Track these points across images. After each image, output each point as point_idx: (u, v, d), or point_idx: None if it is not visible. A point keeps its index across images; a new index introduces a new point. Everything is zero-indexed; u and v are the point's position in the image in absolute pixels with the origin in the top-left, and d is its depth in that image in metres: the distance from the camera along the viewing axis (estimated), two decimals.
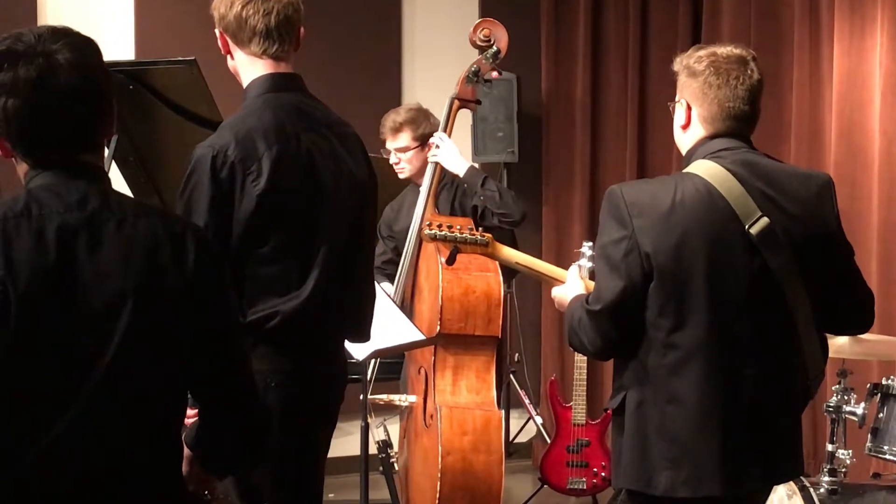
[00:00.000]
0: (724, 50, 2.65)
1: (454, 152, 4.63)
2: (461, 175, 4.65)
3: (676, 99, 2.71)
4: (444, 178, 4.80)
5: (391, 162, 4.80)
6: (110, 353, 1.91)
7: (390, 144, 4.79)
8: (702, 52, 2.66)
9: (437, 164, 4.58)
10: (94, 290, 1.91)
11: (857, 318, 2.79)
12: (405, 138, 4.73)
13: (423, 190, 4.56)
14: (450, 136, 4.61)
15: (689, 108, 2.67)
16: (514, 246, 4.68)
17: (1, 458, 1.90)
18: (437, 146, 4.58)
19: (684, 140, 2.71)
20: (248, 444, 2.15)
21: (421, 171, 4.67)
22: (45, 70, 1.92)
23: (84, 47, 2.00)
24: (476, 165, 5.40)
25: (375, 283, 3.16)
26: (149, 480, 2.01)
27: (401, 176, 4.78)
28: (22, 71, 1.92)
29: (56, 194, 1.94)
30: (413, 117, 4.74)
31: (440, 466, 4.13)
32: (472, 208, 4.72)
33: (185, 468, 2.16)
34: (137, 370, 1.95)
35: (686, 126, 2.69)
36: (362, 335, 3.03)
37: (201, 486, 2.25)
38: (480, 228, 3.04)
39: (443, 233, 2.99)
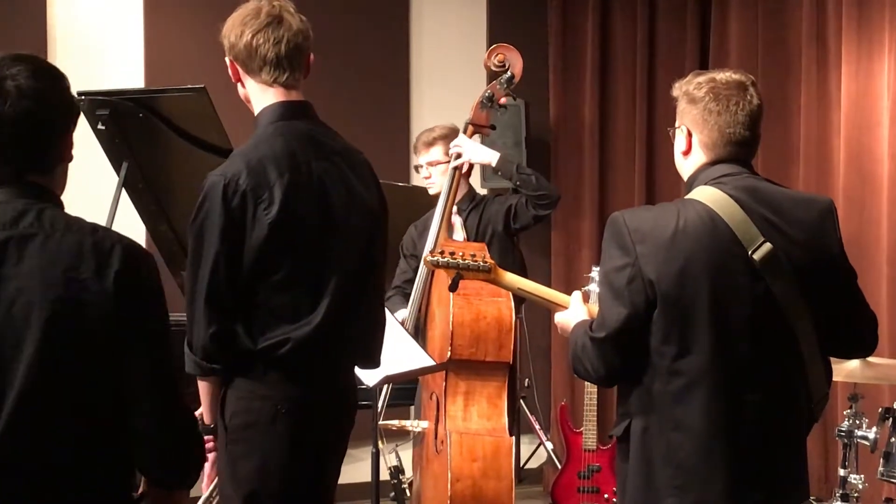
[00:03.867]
0: (723, 75, 2.65)
1: (479, 147, 4.68)
2: (493, 164, 4.70)
3: (676, 125, 2.71)
4: (475, 199, 4.84)
5: (422, 177, 4.86)
6: (24, 368, 1.97)
7: (423, 158, 4.85)
8: (701, 79, 2.66)
9: (454, 177, 4.60)
10: (13, 305, 1.99)
11: (861, 342, 2.77)
12: (438, 152, 4.80)
13: (437, 213, 4.58)
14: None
15: (689, 134, 2.68)
16: (524, 271, 4.70)
17: None
18: (458, 145, 4.62)
19: (685, 166, 2.72)
20: (177, 459, 2.19)
21: None
22: None
23: (42, 74, 2.08)
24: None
25: (386, 309, 3.17)
26: (90, 497, 2.05)
27: (431, 191, 4.81)
28: None
29: None
30: (446, 133, 4.82)
31: (450, 493, 4.12)
32: (504, 211, 4.74)
33: (143, 486, 2.20)
34: (57, 383, 2.00)
35: (687, 152, 2.70)
36: (372, 361, 3.04)
37: (161, 502, 2.26)
38: (486, 255, 3.03)
39: (445, 259, 2.99)
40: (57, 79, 2.12)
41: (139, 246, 2.15)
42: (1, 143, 2.05)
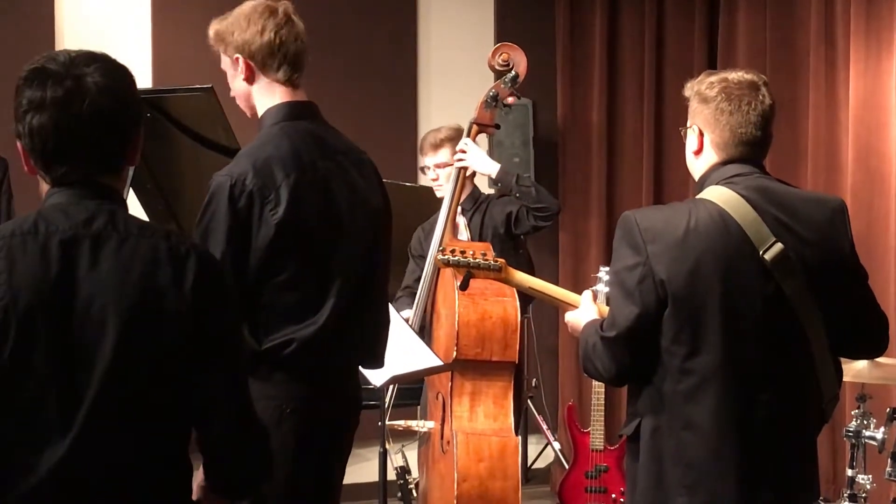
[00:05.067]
0: (735, 75, 2.65)
1: (482, 155, 4.69)
2: (493, 175, 4.72)
3: (688, 125, 2.71)
4: (479, 199, 4.83)
5: (430, 178, 4.86)
6: (101, 372, 1.93)
7: (430, 160, 4.84)
8: (713, 78, 2.66)
9: (458, 177, 4.61)
10: (89, 308, 1.94)
11: (872, 342, 2.78)
12: (445, 154, 4.80)
13: (442, 213, 4.57)
14: None
15: (701, 133, 2.68)
16: (532, 270, 4.70)
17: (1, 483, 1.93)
18: (464, 150, 4.62)
19: (697, 166, 2.72)
20: (251, 465, 2.16)
21: None
22: (72, 91, 1.97)
23: (116, 73, 2.03)
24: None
25: (391, 309, 3.16)
26: (159, 501, 2.03)
27: (438, 194, 4.82)
28: (50, 90, 1.97)
29: (64, 213, 1.99)
30: (453, 135, 4.82)
31: (456, 493, 4.13)
32: (505, 216, 4.74)
33: (197, 493, 2.17)
34: (132, 388, 1.97)
35: (698, 152, 2.69)
36: (376, 361, 3.03)
37: None
38: (494, 254, 3.03)
39: (455, 258, 2.99)
40: (130, 77, 2.07)
41: (211, 252, 2.11)
42: (77, 142, 1.99)
